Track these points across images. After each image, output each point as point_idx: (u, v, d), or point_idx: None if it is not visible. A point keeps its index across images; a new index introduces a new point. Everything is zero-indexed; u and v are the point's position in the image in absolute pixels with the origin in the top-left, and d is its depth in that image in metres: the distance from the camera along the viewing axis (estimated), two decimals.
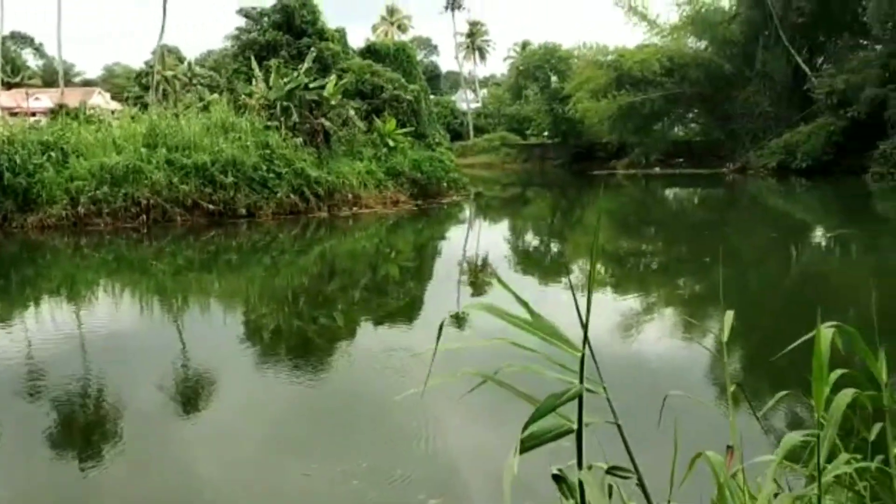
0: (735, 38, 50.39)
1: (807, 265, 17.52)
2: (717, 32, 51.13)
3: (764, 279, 15.06)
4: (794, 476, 2.47)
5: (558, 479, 1.84)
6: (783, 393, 2.53)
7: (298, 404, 7.73)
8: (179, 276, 16.16)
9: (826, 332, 1.95)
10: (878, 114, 38.93)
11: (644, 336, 10.35)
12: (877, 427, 2.35)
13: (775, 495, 2.12)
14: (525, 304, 1.78)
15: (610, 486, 1.92)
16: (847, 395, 2.08)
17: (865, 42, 46.46)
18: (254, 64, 28.85)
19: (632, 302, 12.70)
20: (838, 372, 2.14)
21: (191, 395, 8.07)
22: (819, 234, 23.64)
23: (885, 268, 15.96)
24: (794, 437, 2.11)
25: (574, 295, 1.90)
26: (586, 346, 1.70)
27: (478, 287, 15.27)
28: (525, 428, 1.58)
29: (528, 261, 19.26)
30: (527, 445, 1.55)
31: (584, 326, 1.72)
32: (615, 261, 18.32)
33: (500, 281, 1.89)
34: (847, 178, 39.29)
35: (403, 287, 15.26)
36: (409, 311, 12.75)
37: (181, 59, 75.53)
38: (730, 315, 2.32)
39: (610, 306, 11.60)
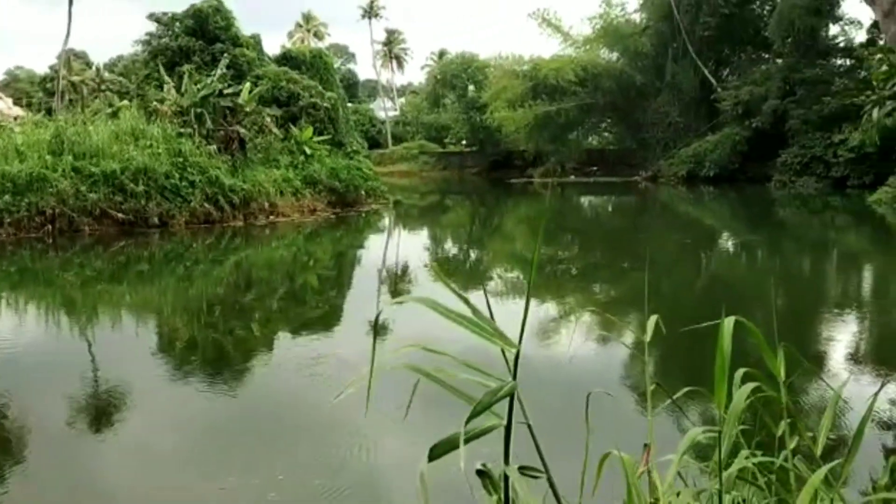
0: (646, 50, 51.94)
1: (718, 269, 18.13)
2: (628, 44, 52.61)
3: (681, 283, 15.51)
4: (708, 474, 2.53)
5: (482, 474, 1.84)
6: (686, 389, 2.59)
7: (215, 417, 7.53)
8: (88, 288, 15.56)
9: (728, 329, 2.01)
10: (779, 124, 40.75)
11: (564, 339, 10.50)
12: (783, 424, 2.43)
13: (678, 494, 2.17)
14: (465, 300, 1.77)
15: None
16: (745, 391, 2.14)
17: (767, 56, 48.62)
18: (162, 71, 28.13)
19: (552, 307, 12.87)
20: (741, 371, 2.21)
21: (101, 411, 7.76)
22: (727, 240, 24.53)
23: (786, 271, 16.68)
24: (695, 432, 2.16)
25: (487, 300, 1.91)
26: (520, 343, 1.70)
27: (398, 295, 15.24)
28: (467, 422, 1.57)
29: (448, 268, 19.32)
30: (442, 450, 1.54)
31: (523, 324, 1.73)
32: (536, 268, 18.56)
33: (440, 275, 1.87)
34: (752, 186, 40.97)
35: (321, 296, 15.08)
36: (327, 320, 12.61)
37: (89, 65, 73.17)
38: (653, 318, 2.36)
39: (531, 311, 11.73)
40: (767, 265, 18.32)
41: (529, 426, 1.66)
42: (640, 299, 13.07)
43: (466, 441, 1.48)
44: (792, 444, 2.36)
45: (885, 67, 29.73)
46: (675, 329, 2.43)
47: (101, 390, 8.51)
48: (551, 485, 1.82)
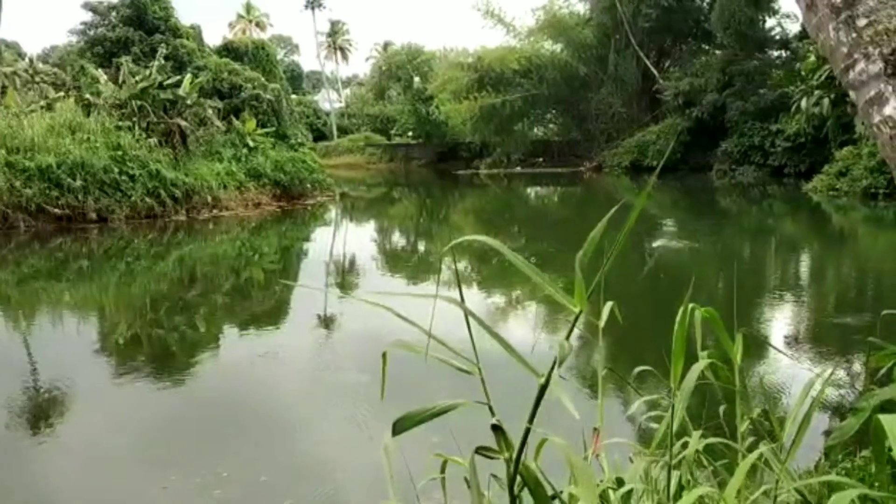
0: (589, 41, 52.42)
1: (664, 257, 18.40)
2: (572, 36, 53.02)
3: (631, 270, 15.69)
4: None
5: (497, 429, 1.82)
6: (639, 368, 2.60)
7: (158, 416, 7.36)
8: (24, 286, 15.08)
9: (688, 313, 2.02)
10: (719, 115, 41.62)
11: (519, 326, 10.57)
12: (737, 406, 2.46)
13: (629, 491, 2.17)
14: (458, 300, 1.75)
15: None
16: (698, 367, 2.16)
17: (708, 47, 49.55)
18: (89, 66, 27.40)
19: (503, 296, 12.93)
20: (704, 359, 2.21)
21: (39, 412, 7.53)
22: (671, 228, 24.96)
23: (731, 258, 17.05)
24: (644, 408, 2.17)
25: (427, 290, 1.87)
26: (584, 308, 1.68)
27: (346, 287, 15.14)
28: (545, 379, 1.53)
29: (396, 260, 19.27)
30: (406, 425, 1.52)
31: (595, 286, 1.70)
32: (482, 259, 18.63)
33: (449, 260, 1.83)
34: (694, 175, 41.76)
35: (267, 291, 14.89)
36: (272, 316, 12.46)
37: (21, 55, 70.85)
38: (609, 304, 2.36)
39: (483, 301, 11.76)
40: (711, 252, 18.69)
41: (490, 407, 1.64)
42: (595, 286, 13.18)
43: (430, 418, 1.46)
44: (743, 427, 2.39)
45: (812, 58, 30.62)
46: (630, 315, 2.44)
47: (39, 391, 8.26)
48: (516, 464, 1.81)
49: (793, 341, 9.68)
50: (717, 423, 2.62)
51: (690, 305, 2.12)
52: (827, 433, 6.17)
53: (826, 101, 30.22)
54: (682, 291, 2.12)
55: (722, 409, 2.54)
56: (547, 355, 1.72)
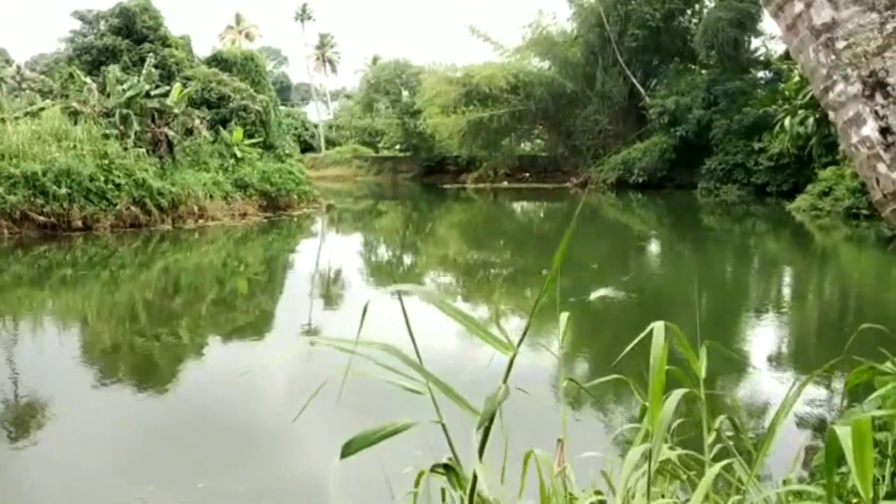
0: (576, 59, 52.76)
1: (644, 274, 18.55)
2: (559, 53, 53.36)
3: (610, 286, 15.81)
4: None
5: (448, 468, 1.87)
6: (602, 379, 2.67)
7: (137, 427, 7.37)
8: (5, 293, 15.01)
9: (659, 331, 2.08)
10: (704, 133, 41.96)
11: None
12: (717, 420, 2.53)
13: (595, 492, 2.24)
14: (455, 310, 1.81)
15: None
16: (674, 399, 2.22)
17: (693, 66, 50.00)
18: (77, 72, 27.36)
19: (482, 309, 12.99)
20: (669, 370, 2.29)
21: (17, 421, 7.51)
22: (653, 245, 25.12)
23: (710, 276, 17.21)
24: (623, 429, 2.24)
25: (404, 308, 1.95)
26: (519, 347, 1.75)
27: (330, 300, 15.16)
28: (478, 427, 1.60)
29: (380, 273, 19.31)
30: (357, 446, 1.57)
31: (525, 331, 1.77)
32: (466, 272, 18.70)
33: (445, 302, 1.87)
34: (679, 193, 42.06)
35: (251, 301, 14.89)
36: (256, 326, 12.46)
37: (8, 62, 70.53)
38: (564, 316, 2.43)
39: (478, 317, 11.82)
40: (691, 269, 18.84)
41: (443, 425, 1.70)
42: (565, 303, 13.32)
43: (381, 439, 1.51)
44: (710, 439, 2.46)
45: (797, 78, 31.01)
46: (603, 329, 2.50)
47: (17, 400, 8.24)
48: (473, 482, 1.87)
49: (773, 357, 9.80)
50: (690, 437, 2.69)
51: (659, 323, 2.19)
52: (809, 450, 6.27)
53: (811, 120, 30.59)
54: (657, 307, 2.20)
55: (679, 422, 2.60)
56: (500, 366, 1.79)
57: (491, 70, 51.96)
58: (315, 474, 6.02)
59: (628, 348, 2.43)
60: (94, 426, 7.36)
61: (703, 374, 2.29)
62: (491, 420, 1.64)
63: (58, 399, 8.06)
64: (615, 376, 2.52)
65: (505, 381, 1.68)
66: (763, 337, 11.27)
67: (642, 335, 2.16)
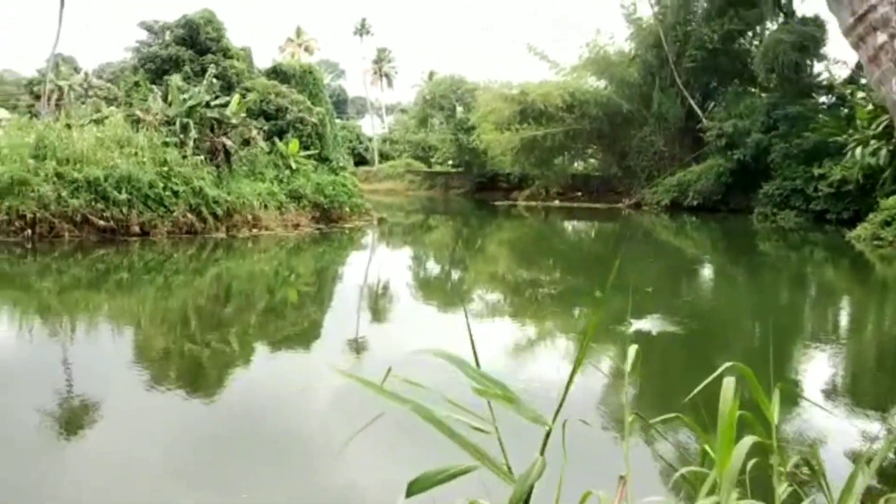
0: (633, 79, 52.39)
1: (701, 302, 18.18)
2: (615, 73, 53.06)
3: (665, 312, 15.54)
4: None
5: None
6: (664, 417, 2.55)
7: (186, 431, 7.43)
8: (64, 295, 15.38)
9: (730, 381, 1.95)
10: (762, 157, 41.14)
11: (545, 365, 10.46)
12: (790, 463, 2.40)
13: None
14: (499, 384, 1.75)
15: None
16: (743, 447, 2.07)
17: (753, 90, 49.17)
18: (143, 80, 28.06)
19: (533, 330, 12.86)
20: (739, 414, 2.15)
21: (72, 423, 7.64)
22: (710, 271, 24.66)
23: (771, 307, 16.78)
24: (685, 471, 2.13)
25: (468, 327, 1.89)
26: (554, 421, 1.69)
27: (377, 313, 15.19)
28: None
29: (428, 289, 19.30)
30: (421, 486, 1.52)
31: (562, 397, 1.72)
32: (514, 290, 18.58)
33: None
34: (734, 217, 41.29)
35: (301, 312, 15.00)
36: (305, 337, 12.52)
37: (77, 69, 72.79)
38: (633, 349, 2.31)
39: (511, 333, 11.71)
40: (748, 297, 18.42)
41: (509, 468, 1.64)
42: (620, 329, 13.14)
43: (446, 480, 1.46)
44: (781, 488, 2.32)
45: (870, 107, 30.22)
46: (657, 357, 2.39)
47: (71, 399, 8.39)
48: None
49: (832, 394, 9.46)
50: (753, 477, 2.56)
51: (731, 365, 2.07)
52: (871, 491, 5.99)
53: (884, 151, 29.78)
54: (711, 335, 2.10)
55: (753, 462, 2.48)
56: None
57: (547, 88, 51.88)
58: (363, 496, 5.98)
59: (699, 388, 2.32)
60: (143, 428, 7.45)
61: (775, 419, 2.17)
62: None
63: (109, 400, 8.18)
64: (676, 415, 2.39)
65: (542, 454, 1.62)
66: (828, 372, 10.89)
67: (713, 376, 2.06)
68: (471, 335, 1.92)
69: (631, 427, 2.19)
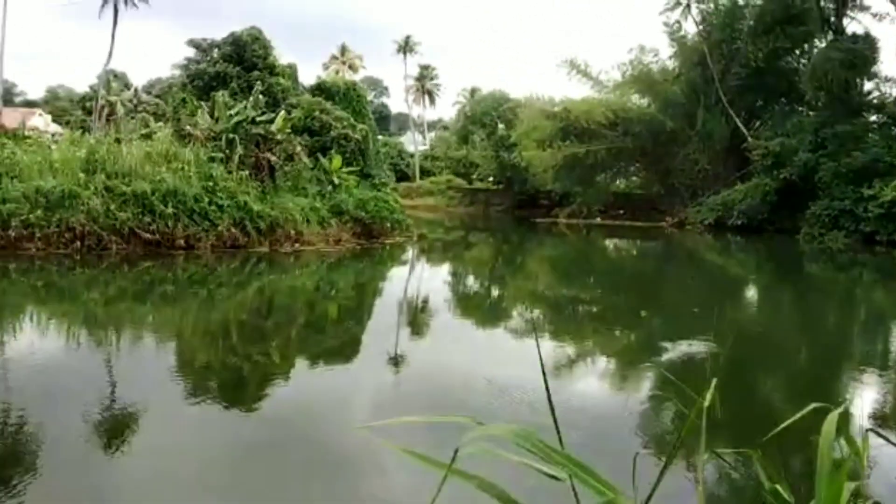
0: (677, 97, 52.00)
1: (747, 324, 17.83)
2: (659, 91, 52.72)
3: (708, 333, 15.28)
4: None
5: None
6: (738, 450, 2.44)
7: (225, 443, 7.48)
8: (111, 307, 15.66)
9: (830, 426, 1.82)
10: (809, 177, 40.39)
11: (603, 390, 10.31)
12: None
13: None
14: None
15: None
16: (848, 488, 1.94)
17: (801, 108, 48.44)
18: (191, 97, 28.59)
19: (569, 349, 12.73)
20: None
21: (112, 428, 7.74)
22: (757, 295, 24.20)
23: (826, 335, 16.38)
24: None
25: (536, 345, 1.86)
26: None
27: (417, 328, 15.18)
28: None
29: (468, 305, 19.26)
30: None
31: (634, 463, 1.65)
32: (554, 308, 18.44)
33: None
34: (779, 237, 40.57)
35: (341, 326, 15.06)
36: (345, 353, 12.56)
37: (127, 86, 74.56)
38: (713, 382, 2.14)
39: (569, 356, 11.61)
40: (798, 321, 18.03)
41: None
42: (661, 354, 12.96)
43: None
44: None
45: None
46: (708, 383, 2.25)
47: (113, 408, 8.50)
48: None
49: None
50: None
51: (831, 414, 1.94)
52: None
53: None
54: (765, 361, 2.02)
55: None
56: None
57: (589, 105, 51.74)
58: None
59: (782, 426, 2.19)
60: (183, 439, 7.51)
61: (866, 466, 2.04)
62: None
63: (151, 410, 8.27)
64: (752, 451, 2.23)
65: None
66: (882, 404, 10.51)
67: (799, 415, 1.96)
68: (551, 405, 1.83)
69: (704, 464, 2.01)
